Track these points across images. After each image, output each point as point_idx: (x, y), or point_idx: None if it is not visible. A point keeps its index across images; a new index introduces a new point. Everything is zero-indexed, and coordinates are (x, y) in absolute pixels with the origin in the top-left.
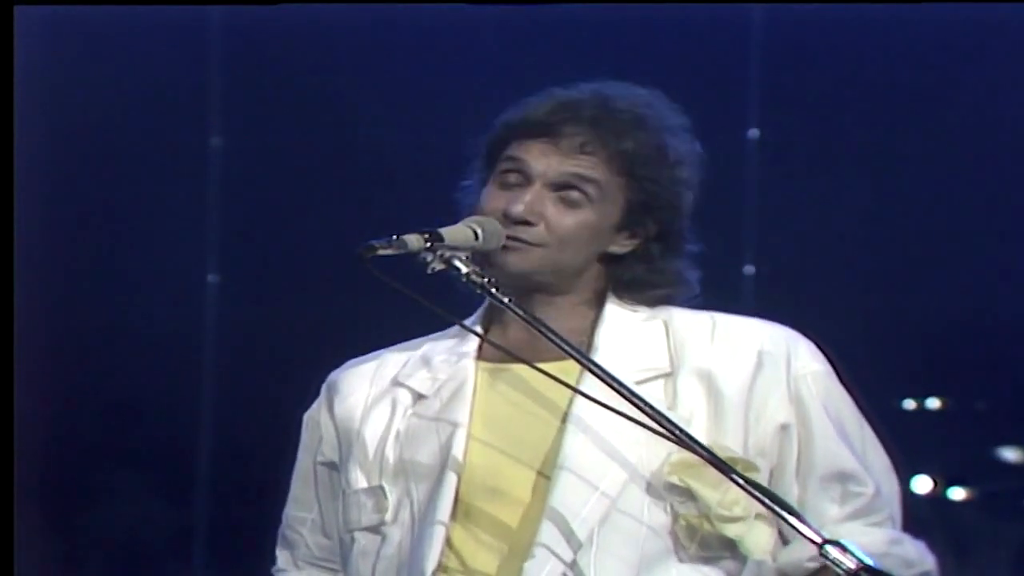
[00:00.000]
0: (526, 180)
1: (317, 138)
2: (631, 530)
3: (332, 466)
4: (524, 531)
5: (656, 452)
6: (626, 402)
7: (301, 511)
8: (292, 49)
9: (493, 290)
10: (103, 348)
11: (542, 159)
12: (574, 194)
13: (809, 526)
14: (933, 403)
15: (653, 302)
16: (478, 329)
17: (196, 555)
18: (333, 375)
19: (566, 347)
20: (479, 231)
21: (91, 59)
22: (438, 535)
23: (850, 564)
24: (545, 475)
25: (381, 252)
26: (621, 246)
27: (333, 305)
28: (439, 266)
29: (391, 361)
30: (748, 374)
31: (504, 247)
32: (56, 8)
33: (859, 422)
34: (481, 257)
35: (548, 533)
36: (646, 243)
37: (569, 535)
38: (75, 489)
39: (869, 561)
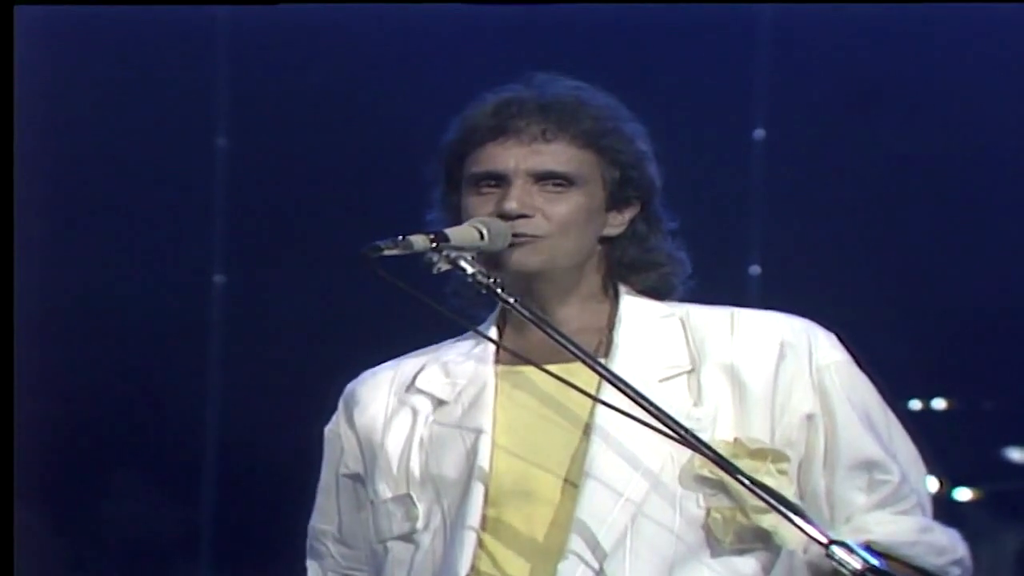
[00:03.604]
0: (503, 181)
1: (323, 138)
2: (661, 531)
3: (356, 478)
4: (553, 536)
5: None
6: (643, 401)
7: (324, 523)
8: (298, 50)
9: (499, 291)
10: (108, 347)
11: (510, 156)
12: (557, 181)
13: (816, 526)
14: (939, 403)
15: (659, 284)
16: (493, 331)
17: (203, 555)
18: (350, 387)
19: (577, 351)
20: (485, 231)
21: (93, 59)
22: (470, 541)
23: (856, 564)
24: (571, 481)
25: (387, 252)
26: (613, 227)
27: (339, 306)
28: (445, 266)
29: (407, 368)
30: (771, 366)
31: (510, 245)
32: (56, 8)
33: (883, 410)
34: (488, 260)
35: (577, 540)
36: (633, 224)
37: (598, 542)
38: (79, 489)
39: (875, 562)
